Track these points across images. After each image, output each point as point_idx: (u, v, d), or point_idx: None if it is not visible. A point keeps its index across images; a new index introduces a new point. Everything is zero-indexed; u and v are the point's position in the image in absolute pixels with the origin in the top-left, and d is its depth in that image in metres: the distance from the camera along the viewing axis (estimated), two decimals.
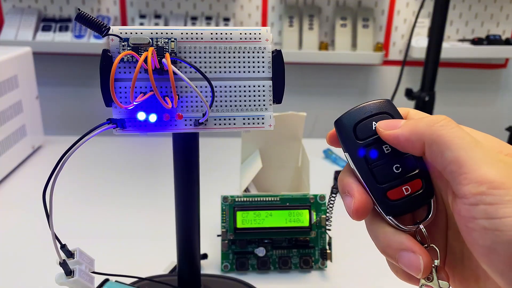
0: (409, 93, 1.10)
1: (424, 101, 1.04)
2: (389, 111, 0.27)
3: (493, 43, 1.53)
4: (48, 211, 0.34)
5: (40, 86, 0.94)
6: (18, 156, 0.84)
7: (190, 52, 0.35)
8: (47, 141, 0.96)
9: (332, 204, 0.56)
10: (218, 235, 0.56)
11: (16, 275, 0.55)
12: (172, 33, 0.35)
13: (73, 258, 0.38)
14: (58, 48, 1.47)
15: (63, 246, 0.37)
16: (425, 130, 0.24)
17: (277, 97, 0.37)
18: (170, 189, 0.43)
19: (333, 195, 0.55)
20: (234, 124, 0.36)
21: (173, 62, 0.34)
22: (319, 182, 0.70)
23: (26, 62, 0.86)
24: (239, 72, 0.36)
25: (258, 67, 0.36)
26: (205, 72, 0.35)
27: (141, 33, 0.34)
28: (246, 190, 0.60)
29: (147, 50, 0.33)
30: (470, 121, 1.69)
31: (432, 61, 1.01)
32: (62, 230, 0.40)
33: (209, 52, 0.35)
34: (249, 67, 0.36)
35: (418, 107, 1.07)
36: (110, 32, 0.34)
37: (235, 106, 0.36)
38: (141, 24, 1.53)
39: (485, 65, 1.68)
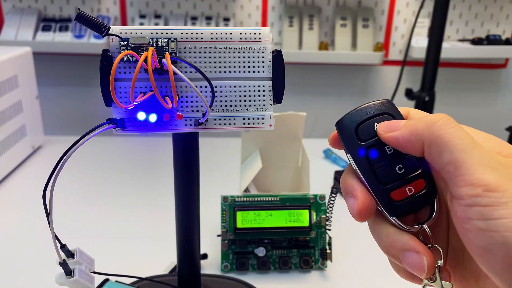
0: (409, 93, 1.10)
1: (424, 101, 1.03)
2: (390, 112, 0.27)
3: (493, 43, 1.53)
4: (48, 211, 0.34)
5: (40, 86, 0.94)
6: (18, 156, 0.84)
7: (190, 52, 0.35)
8: (47, 141, 0.96)
9: (332, 204, 0.56)
10: (218, 235, 0.56)
11: (16, 275, 0.55)
12: (172, 33, 0.35)
13: (73, 258, 0.38)
14: (58, 48, 1.47)
15: (63, 246, 0.37)
16: (424, 131, 0.24)
17: (277, 97, 0.37)
18: (170, 189, 0.43)
19: (333, 195, 0.55)
20: (234, 124, 0.36)
21: (173, 62, 0.34)
22: (319, 182, 0.70)
23: (26, 62, 0.86)
24: (239, 72, 0.36)
25: (258, 67, 0.36)
26: (205, 72, 0.35)
27: (141, 33, 0.34)
28: (246, 190, 0.60)
29: (147, 50, 0.33)
30: (470, 121, 1.68)
31: (432, 61, 1.01)
32: (62, 230, 0.40)
33: (209, 52, 0.35)
34: (249, 67, 0.36)
35: (418, 107, 1.07)
36: (110, 32, 0.34)
37: (235, 106, 0.36)
38: (141, 24, 1.53)
39: (485, 65, 1.67)
